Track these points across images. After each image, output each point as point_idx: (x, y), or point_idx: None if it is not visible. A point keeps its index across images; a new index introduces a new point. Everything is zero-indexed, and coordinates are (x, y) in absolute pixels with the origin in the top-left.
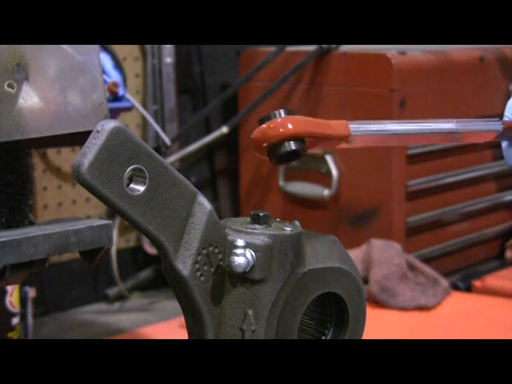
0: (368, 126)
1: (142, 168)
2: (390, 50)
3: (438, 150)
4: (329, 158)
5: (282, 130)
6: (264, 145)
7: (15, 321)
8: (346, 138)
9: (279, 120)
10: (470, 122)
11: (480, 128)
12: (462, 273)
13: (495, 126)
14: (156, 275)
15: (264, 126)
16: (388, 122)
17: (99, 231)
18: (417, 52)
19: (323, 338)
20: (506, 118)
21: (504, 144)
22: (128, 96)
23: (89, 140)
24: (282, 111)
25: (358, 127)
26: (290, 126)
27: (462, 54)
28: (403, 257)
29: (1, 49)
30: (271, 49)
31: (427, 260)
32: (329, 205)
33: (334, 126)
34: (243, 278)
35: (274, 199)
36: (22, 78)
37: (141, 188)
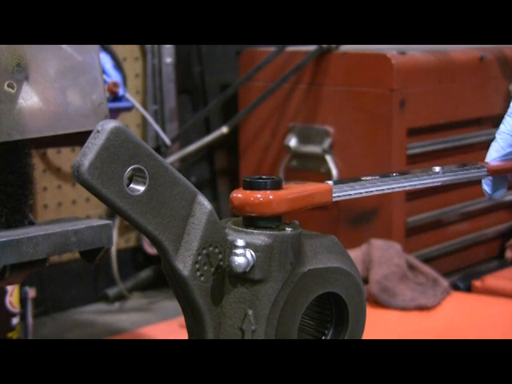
0: (350, 190)
1: (142, 168)
2: (390, 50)
3: (438, 150)
4: (329, 158)
5: (261, 210)
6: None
7: (15, 321)
8: (327, 203)
9: (261, 197)
10: (453, 173)
11: (464, 178)
12: (462, 273)
13: (478, 173)
14: (156, 275)
15: (246, 193)
16: (370, 179)
17: (99, 231)
18: (417, 52)
19: (323, 337)
20: (488, 160)
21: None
22: (128, 96)
23: (89, 140)
24: (268, 183)
25: (340, 193)
26: (270, 208)
27: (462, 53)
28: (403, 257)
29: (1, 49)
30: (271, 49)
31: (427, 260)
32: (329, 205)
33: (318, 197)
34: (243, 278)
35: None
36: (21, 78)
37: (141, 188)
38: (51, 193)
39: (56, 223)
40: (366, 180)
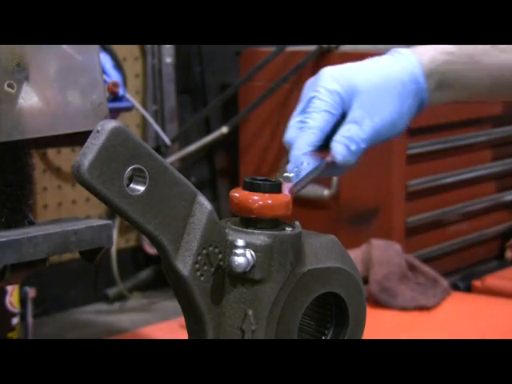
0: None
1: (142, 168)
2: None
3: (438, 150)
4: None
5: (259, 212)
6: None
7: (15, 321)
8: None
9: (260, 200)
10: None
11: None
12: (462, 273)
13: (321, 166)
14: (156, 275)
15: (245, 194)
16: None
17: (99, 231)
18: None
19: (323, 338)
20: (297, 152)
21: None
22: (128, 96)
23: (89, 140)
24: (268, 185)
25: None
26: (268, 211)
27: None
28: (403, 257)
29: (1, 49)
30: (271, 49)
31: (427, 260)
32: (329, 205)
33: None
34: (243, 278)
35: None
36: (22, 77)
37: (141, 188)
38: (51, 193)
39: (56, 223)
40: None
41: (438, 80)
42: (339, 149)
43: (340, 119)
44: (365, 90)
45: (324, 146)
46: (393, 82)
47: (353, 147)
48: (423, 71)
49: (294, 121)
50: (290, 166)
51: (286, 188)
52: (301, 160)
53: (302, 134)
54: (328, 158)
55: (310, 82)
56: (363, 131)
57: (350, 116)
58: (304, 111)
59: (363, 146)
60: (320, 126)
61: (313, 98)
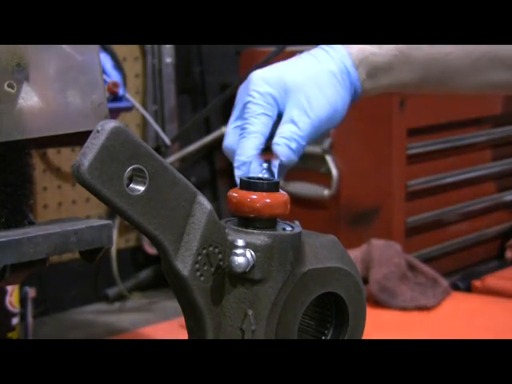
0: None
1: (142, 168)
2: None
3: (438, 150)
4: (329, 158)
5: (257, 212)
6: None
7: (15, 321)
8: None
9: (257, 199)
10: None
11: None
12: (462, 273)
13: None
14: (156, 275)
15: (242, 193)
16: None
17: (99, 231)
18: None
19: (323, 338)
20: (244, 158)
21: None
22: (128, 96)
23: (89, 140)
24: (265, 184)
25: None
26: (266, 210)
27: None
28: (403, 257)
29: (1, 49)
30: (271, 49)
31: (427, 260)
32: (329, 205)
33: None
34: (243, 278)
35: None
36: (21, 78)
37: (141, 188)
38: (51, 193)
39: (56, 223)
40: None
41: (368, 70)
42: (281, 150)
43: (277, 119)
44: (296, 87)
45: (265, 148)
46: (323, 75)
47: (293, 146)
48: (353, 61)
49: (231, 127)
50: (236, 172)
51: None
52: (248, 164)
53: (244, 139)
54: (278, 161)
55: (242, 87)
56: (301, 129)
57: (286, 115)
58: (241, 117)
59: (303, 143)
60: (260, 130)
61: (247, 103)
